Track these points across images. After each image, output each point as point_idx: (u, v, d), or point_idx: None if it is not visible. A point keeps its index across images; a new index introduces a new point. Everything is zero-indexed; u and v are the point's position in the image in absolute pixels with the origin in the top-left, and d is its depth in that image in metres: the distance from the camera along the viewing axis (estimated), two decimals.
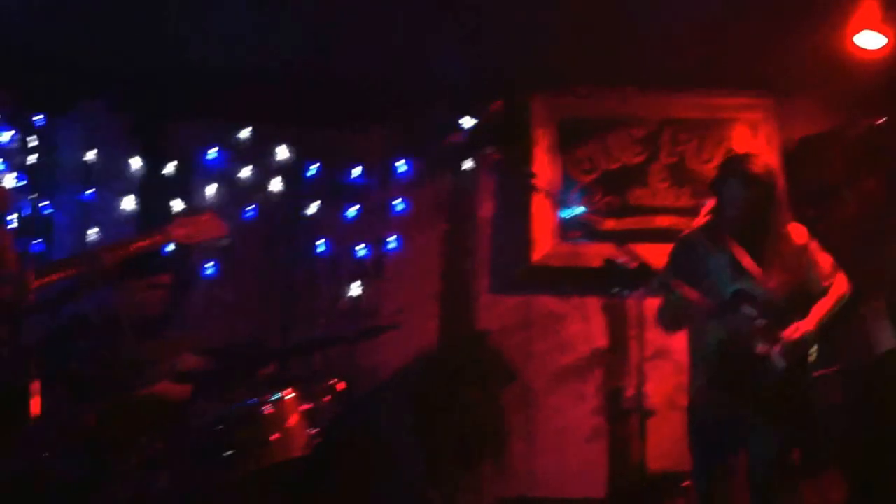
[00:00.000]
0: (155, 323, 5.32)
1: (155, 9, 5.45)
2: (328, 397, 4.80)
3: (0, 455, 3.27)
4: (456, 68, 5.91)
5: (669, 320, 4.52)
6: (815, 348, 4.37)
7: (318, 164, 6.43)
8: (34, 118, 5.96)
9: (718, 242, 4.42)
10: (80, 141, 6.29)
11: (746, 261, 4.35)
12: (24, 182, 5.63)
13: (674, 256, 4.56)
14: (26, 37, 5.59)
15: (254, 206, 6.34)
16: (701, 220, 4.51)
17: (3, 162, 5.53)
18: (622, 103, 6.51)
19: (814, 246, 4.50)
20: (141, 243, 3.60)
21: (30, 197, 3.27)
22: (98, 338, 5.02)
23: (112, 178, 6.29)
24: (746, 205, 4.38)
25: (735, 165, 4.50)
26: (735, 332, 4.30)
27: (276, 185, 6.38)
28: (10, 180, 5.49)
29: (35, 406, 2.92)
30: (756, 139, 6.45)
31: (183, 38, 5.75)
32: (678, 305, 4.32)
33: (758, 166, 4.42)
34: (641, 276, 4.17)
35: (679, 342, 4.72)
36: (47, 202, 5.91)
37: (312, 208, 6.40)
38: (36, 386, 2.96)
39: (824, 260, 4.50)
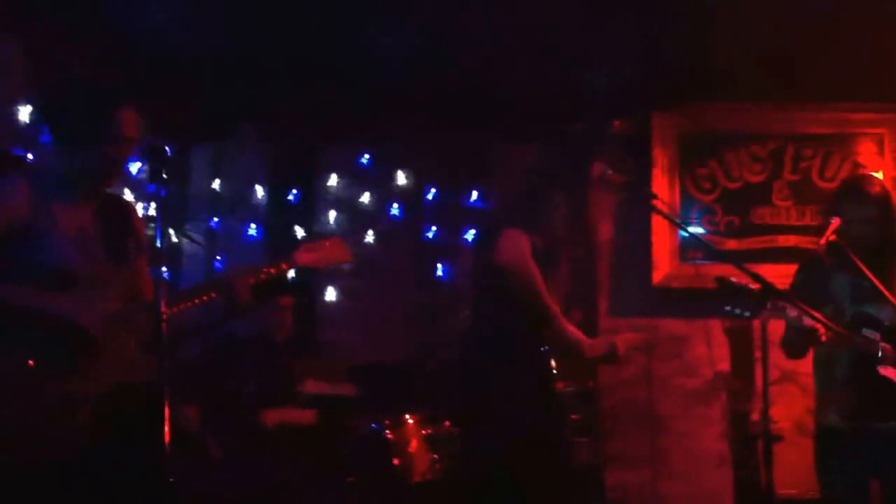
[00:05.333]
0: (283, 346, 5.45)
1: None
2: (447, 422, 4.85)
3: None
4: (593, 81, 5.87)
5: (790, 345, 4.43)
6: None
7: (435, 189, 6.49)
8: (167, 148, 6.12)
9: (841, 264, 4.31)
10: (208, 169, 6.48)
11: (870, 283, 4.22)
12: (154, 211, 5.80)
13: (797, 278, 4.48)
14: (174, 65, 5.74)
15: (373, 231, 6.44)
16: (825, 240, 4.41)
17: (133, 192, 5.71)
18: (744, 119, 6.40)
19: None
20: (268, 269, 3.67)
21: (158, 225, 3.34)
22: (255, 357, 5.17)
23: (238, 206, 6.47)
24: (866, 225, 4.28)
25: (851, 186, 4.45)
26: (857, 355, 4.18)
27: (395, 209, 6.47)
28: (140, 209, 5.67)
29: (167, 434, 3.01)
30: (883, 154, 6.29)
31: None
32: (799, 329, 4.22)
33: (874, 186, 4.36)
34: (761, 297, 4.09)
35: (807, 365, 4.60)
36: (174, 230, 6.10)
37: (432, 232, 6.47)
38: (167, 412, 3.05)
39: None
